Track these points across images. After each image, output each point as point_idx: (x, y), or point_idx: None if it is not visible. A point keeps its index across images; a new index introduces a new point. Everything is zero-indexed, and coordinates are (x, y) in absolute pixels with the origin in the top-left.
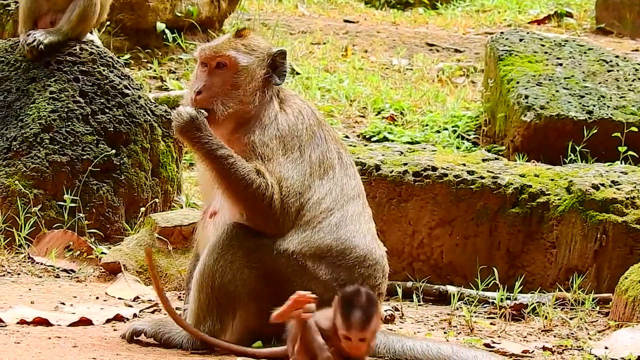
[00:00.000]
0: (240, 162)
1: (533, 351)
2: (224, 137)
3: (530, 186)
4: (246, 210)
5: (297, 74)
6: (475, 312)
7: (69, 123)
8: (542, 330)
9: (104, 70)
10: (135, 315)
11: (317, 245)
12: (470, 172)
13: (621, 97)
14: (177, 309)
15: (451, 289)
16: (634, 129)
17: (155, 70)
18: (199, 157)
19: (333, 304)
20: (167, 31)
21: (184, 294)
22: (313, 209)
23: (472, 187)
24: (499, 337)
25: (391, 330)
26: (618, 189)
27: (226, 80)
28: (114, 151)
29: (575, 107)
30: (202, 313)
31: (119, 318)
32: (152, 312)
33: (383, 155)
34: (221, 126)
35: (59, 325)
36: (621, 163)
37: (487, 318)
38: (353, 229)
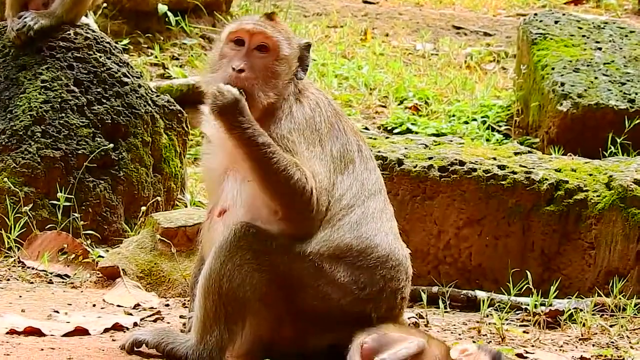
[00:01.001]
0: (281, 153)
1: None
2: None
3: (567, 182)
4: (284, 207)
5: (312, 60)
6: (506, 320)
7: (63, 114)
8: (580, 339)
9: (100, 57)
10: (135, 324)
11: (336, 245)
12: (501, 167)
13: None
14: (181, 316)
15: (480, 294)
16: None
17: (156, 57)
18: (238, 143)
19: (471, 349)
20: (169, 14)
21: (188, 300)
22: (334, 206)
23: (503, 183)
24: (533, 346)
25: None
26: None
27: (267, 66)
28: (111, 145)
29: (616, 95)
30: (208, 321)
31: (117, 327)
32: (154, 321)
33: (406, 148)
34: (252, 114)
35: (52, 335)
36: None
37: (520, 326)
38: (374, 227)
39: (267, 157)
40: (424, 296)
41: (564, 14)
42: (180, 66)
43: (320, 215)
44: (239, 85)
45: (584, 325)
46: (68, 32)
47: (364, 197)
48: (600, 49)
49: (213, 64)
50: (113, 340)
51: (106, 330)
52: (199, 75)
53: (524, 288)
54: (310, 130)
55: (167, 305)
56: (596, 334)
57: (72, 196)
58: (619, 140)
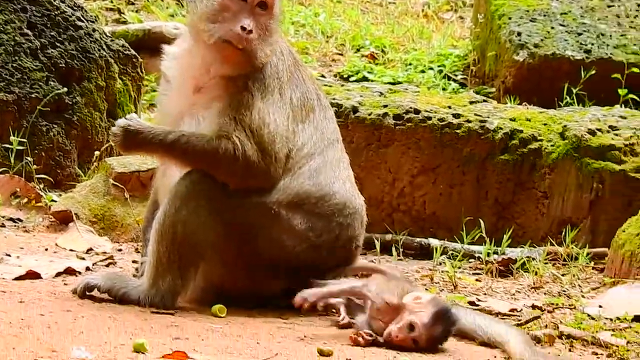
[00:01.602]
0: (195, 136)
1: (521, 309)
2: (222, 80)
3: (522, 131)
4: (227, 179)
5: None
6: (459, 268)
7: (16, 58)
8: (532, 288)
9: (54, 0)
10: (88, 269)
11: (295, 192)
12: (457, 116)
13: (622, 35)
14: (134, 261)
15: (434, 242)
16: (635, 69)
17: (112, 1)
18: (156, 157)
19: (424, 299)
20: None
21: (141, 245)
22: (296, 155)
23: (457, 131)
24: (485, 294)
25: None
26: (616, 135)
27: (266, 24)
28: (65, 89)
29: (572, 45)
30: (161, 267)
31: (70, 271)
32: (107, 266)
33: (361, 96)
34: (239, 69)
35: (3, 278)
36: (620, 107)
37: (473, 274)
38: (332, 175)
39: (183, 149)
40: (378, 244)
41: None
42: (136, 11)
43: (278, 163)
44: (248, 45)
45: (536, 274)
46: None
47: (323, 146)
48: None
49: (212, 12)
50: (65, 284)
51: (58, 274)
52: (155, 20)
53: (477, 237)
54: (272, 79)
55: (120, 250)
56: (548, 282)
57: (25, 140)
58: (574, 91)
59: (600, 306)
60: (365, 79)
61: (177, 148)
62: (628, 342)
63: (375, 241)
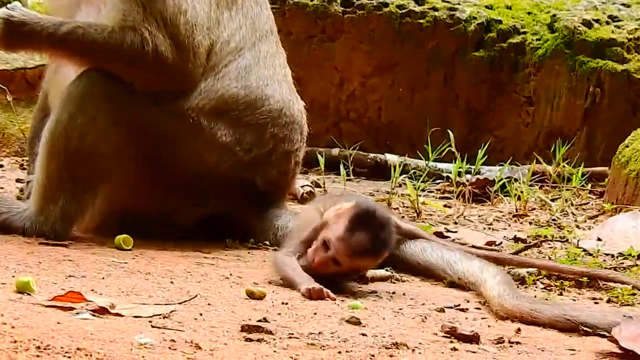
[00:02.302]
0: (93, 28)
1: (501, 243)
2: None
3: (500, 22)
4: (135, 79)
5: None
6: (423, 191)
7: None
8: (514, 216)
9: None
10: None
11: (219, 96)
12: (420, 2)
13: None
14: (18, 180)
15: (392, 158)
16: None
17: None
18: (46, 54)
19: (343, 207)
20: None
21: (27, 161)
22: (221, 50)
23: (421, 21)
24: (456, 223)
25: None
26: (617, 27)
27: None
28: None
29: None
30: (52, 187)
31: None
32: None
33: None
34: None
35: None
36: None
37: (440, 198)
38: (266, 74)
39: (81, 45)
40: (322, 160)
41: None
42: None
43: (197, 59)
44: None
45: (519, 198)
46: None
47: (254, 39)
48: None
49: None
50: None
51: None
52: None
53: (446, 152)
54: None
55: (1, 166)
56: (534, 209)
57: None
58: None
59: (599, 239)
60: None
61: (72, 43)
62: (634, 287)
63: (319, 157)
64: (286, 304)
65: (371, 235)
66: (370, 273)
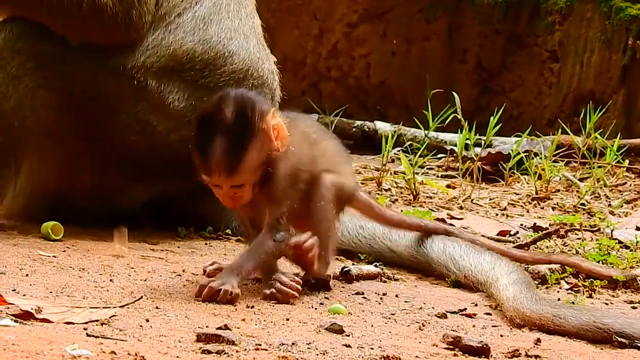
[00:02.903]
0: None
1: (517, 232)
2: None
3: None
4: (67, 30)
5: None
6: (421, 167)
7: None
8: (534, 198)
9: None
10: None
11: (171, 53)
12: None
13: None
14: None
15: (383, 127)
16: None
17: None
18: None
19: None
20: None
21: None
22: None
23: None
24: (462, 208)
25: None
26: None
27: None
28: None
29: None
30: None
31: None
32: None
33: None
34: None
35: None
36: None
37: (443, 177)
38: (229, 25)
39: None
40: None
41: None
42: None
43: (144, 9)
44: None
45: (539, 178)
46: None
47: None
48: None
49: None
50: None
51: None
52: None
53: (450, 119)
54: None
55: None
56: (559, 191)
57: None
58: None
59: (638, 228)
60: None
61: None
62: None
63: None
64: (252, 307)
65: (215, 140)
66: (355, 269)
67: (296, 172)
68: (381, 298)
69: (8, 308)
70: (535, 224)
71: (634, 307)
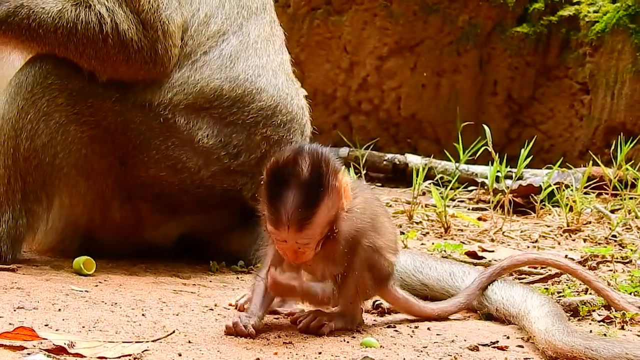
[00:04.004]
0: (41, 6)
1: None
2: None
3: None
4: (94, 66)
5: None
6: (453, 199)
7: None
8: (565, 230)
9: None
10: None
11: (198, 90)
12: None
13: None
14: None
15: (414, 159)
16: None
17: None
18: None
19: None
20: None
21: None
22: (199, 33)
23: None
24: (493, 240)
25: None
26: None
27: None
28: None
29: None
30: None
31: None
32: None
33: None
34: None
35: None
36: None
37: (474, 210)
38: (257, 63)
39: (27, 26)
40: None
41: None
42: None
43: (166, 44)
44: None
45: (571, 209)
46: None
47: (241, 19)
48: None
49: None
50: None
51: None
52: None
53: (481, 152)
54: None
55: None
56: (590, 223)
57: None
58: None
59: None
60: None
61: (16, 24)
62: None
63: None
64: (289, 343)
65: (288, 194)
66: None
67: (358, 237)
68: (413, 331)
69: (41, 343)
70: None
71: None
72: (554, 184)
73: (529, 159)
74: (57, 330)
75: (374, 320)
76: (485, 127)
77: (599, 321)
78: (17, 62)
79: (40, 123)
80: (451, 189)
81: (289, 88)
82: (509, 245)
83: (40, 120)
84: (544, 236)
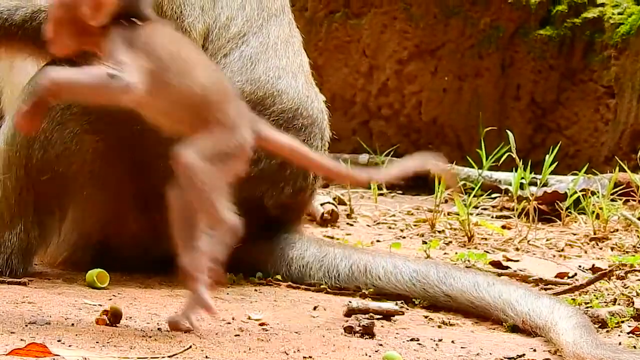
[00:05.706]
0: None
1: (575, 274)
2: None
3: None
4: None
5: None
6: (476, 207)
7: None
8: (592, 239)
9: None
10: None
11: None
12: None
13: None
14: None
15: None
16: None
17: None
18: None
19: None
20: None
21: None
22: (220, 36)
23: None
24: (518, 249)
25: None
26: None
27: None
28: None
29: None
30: (8, 211)
31: None
32: None
33: None
34: None
35: None
36: None
37: (498, 217)
38: (277, 65)
39: (40, 32)
40: None
41: None
42: None
43: None
44: None
45: (597, 217)
46: None
47: (261, 21)
48: None
49: None
50: None
51: None
52: None
53: (504, 159)
54: None
55: None
56: (617, 230)
57: None
58: None
59: None
60: None
61: (33, 31)
62: None
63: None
64: (309, 357)
65: None
66: (374, 306)
67: None
68: (437, 344)
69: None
70: (594, 265)
71: None
72: (580, 191)
73: (553, 165)
74: (70, 346)
75: (397, 334)
76: (509, 132)
77: (627, 333)
78: (31, 69)
79: (54, 133)
80: (474, 196)
81: (309, 91)
82: (534, 254)
83: (54, 129)
84: (570, 244)
